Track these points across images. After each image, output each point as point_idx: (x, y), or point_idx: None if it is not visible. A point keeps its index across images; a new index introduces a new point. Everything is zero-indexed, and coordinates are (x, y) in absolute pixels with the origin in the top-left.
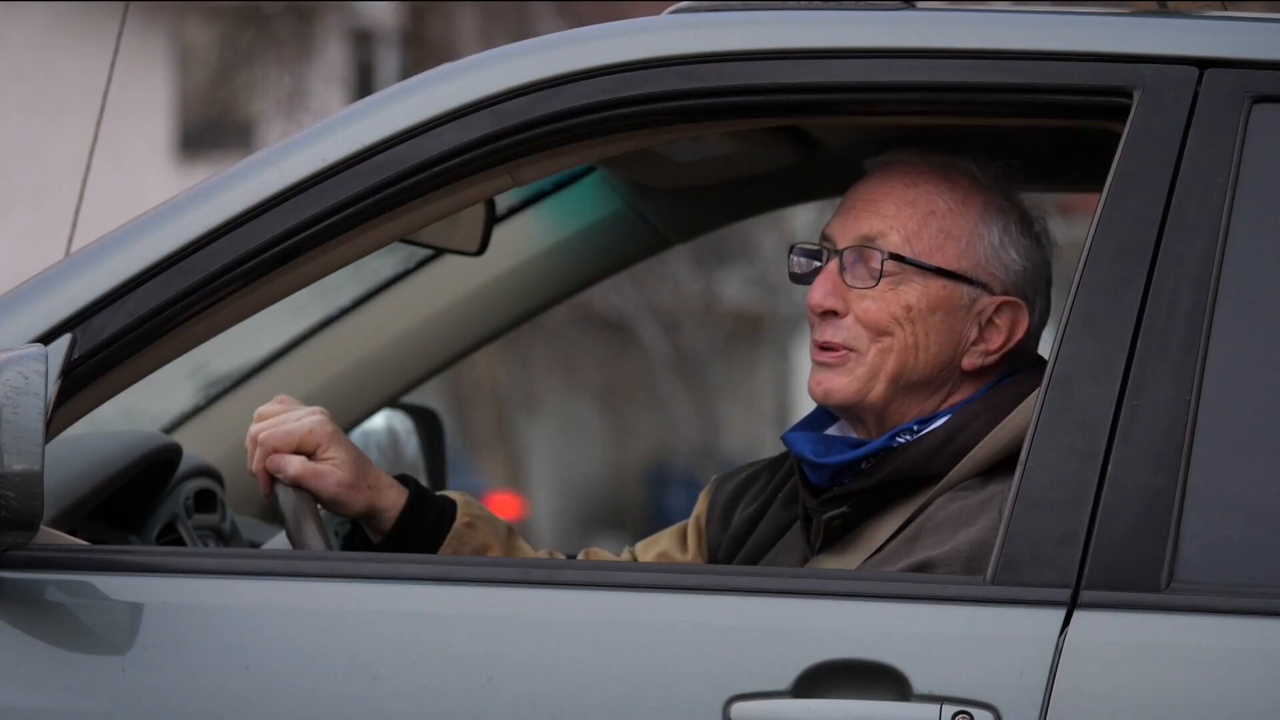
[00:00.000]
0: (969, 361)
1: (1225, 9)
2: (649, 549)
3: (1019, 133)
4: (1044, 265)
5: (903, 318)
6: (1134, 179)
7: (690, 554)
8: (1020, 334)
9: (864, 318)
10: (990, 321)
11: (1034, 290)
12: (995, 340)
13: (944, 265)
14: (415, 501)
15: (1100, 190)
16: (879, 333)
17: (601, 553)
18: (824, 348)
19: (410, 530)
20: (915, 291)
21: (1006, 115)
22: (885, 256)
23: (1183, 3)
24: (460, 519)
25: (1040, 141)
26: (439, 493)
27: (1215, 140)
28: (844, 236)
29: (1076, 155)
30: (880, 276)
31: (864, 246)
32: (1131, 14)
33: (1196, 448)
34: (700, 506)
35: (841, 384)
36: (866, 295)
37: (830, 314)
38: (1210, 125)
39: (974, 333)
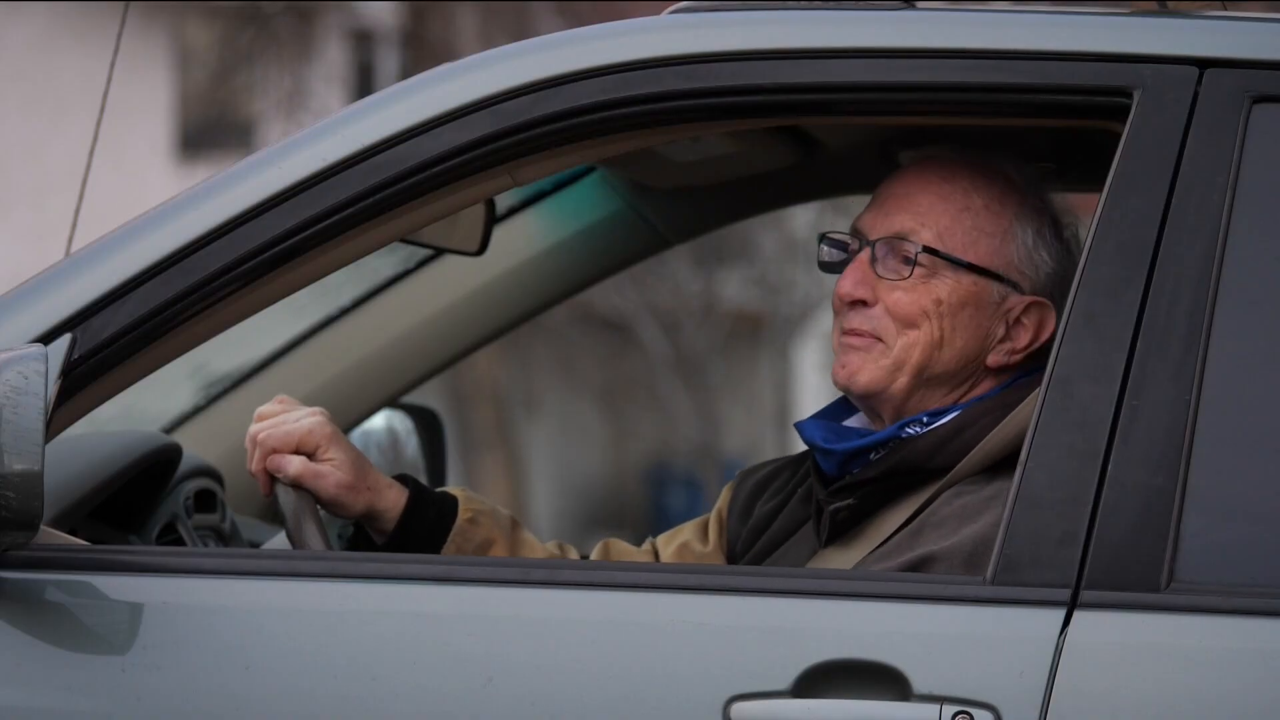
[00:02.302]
0: (994, 359)
1: (1225, 9)
2: (671, 541)
3: (1019, 133)
4: (1072, 270)
5: (932, 311)
6: (1134, 179)
7: (711, 546)
8: (1046, 335)
9: (894, 309)
10: (1018, 320)
11: (1061, 293)
12: (1022, 339)
13: (977, 261)
14: (415, 501)
15: (1100, 190)
16: (907, 324)
17: (621, 544)
18: (850, 333)
19: (412, 530)
20: (946, 286)
21: (1006, 115)
22: (920, 249)
23: (1183, 3)
24: (462, 515)
25: (1040, 141)
26: (440, 489)
27: (1215, 140)
28: (876, 229)
29: (1076, 155)
30: (914, 268)
31: (897, 237)
32: (1131, 14)
33: (1196, 448)
34: (723, 500)
35: (868, 369)
36: (897, 287)
37: (859, 303)
38: (1210, 125)
39: (1001, 330)
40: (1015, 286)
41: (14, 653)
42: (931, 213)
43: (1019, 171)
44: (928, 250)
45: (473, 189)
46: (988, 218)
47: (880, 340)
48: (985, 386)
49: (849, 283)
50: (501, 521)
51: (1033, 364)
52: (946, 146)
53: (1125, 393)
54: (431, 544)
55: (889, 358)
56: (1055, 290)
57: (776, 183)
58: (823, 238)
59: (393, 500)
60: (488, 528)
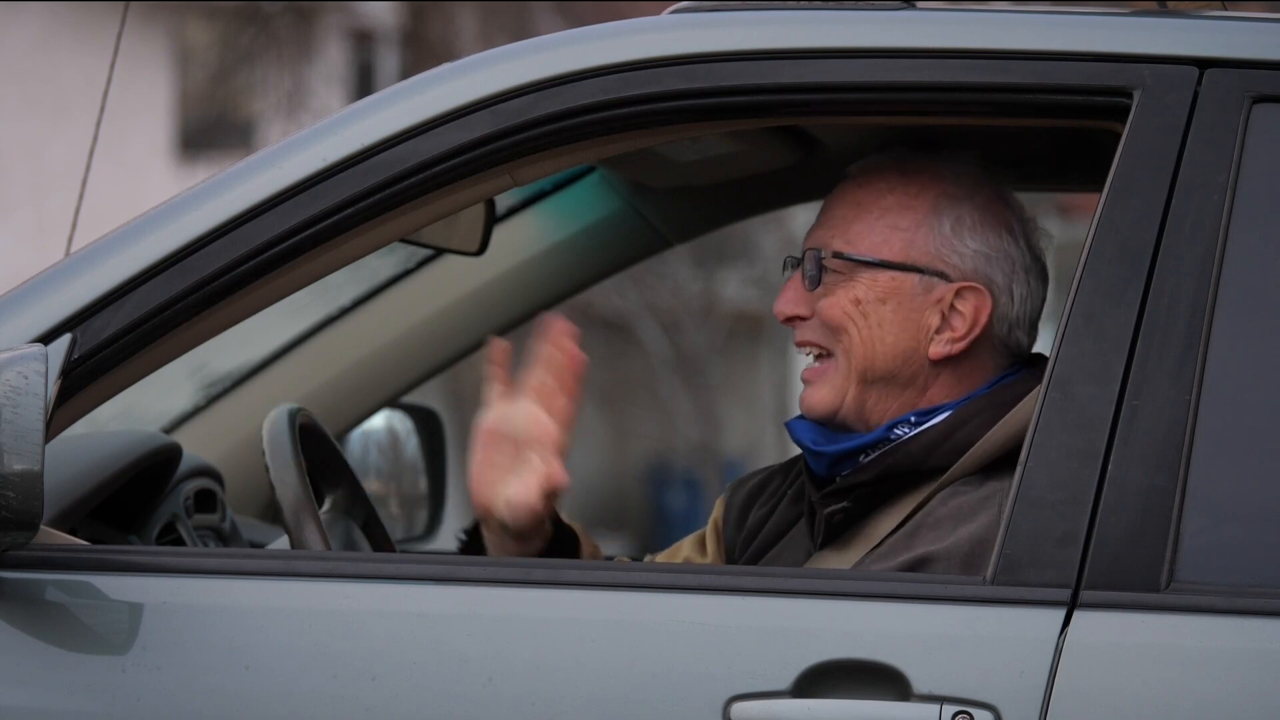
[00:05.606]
0: (935, 350)
1: (1225, 9)
2: (672, 558)
3: (1019, 132)
4: (1021, 253)
5: (853, 311)
6: (1134, 179)
7: (710, 558)
8: (984, 319)
9: (821, 315)
10: (953, 308)
11: (1006, 277)
12: (960, 327)
13: (888, 258)
14: (557, 523)
15: (1100, 190)
16: (836, 330)
17: (623, 560)
18: (801, 347)
19: (557, 551)
20: (862, 285)
21: (1006, 115)
22: (828, 256)
23: (1183, 3)
24: (585, 545)
25: (1040, 141)
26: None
27: (1215, 140)
28: (805, 245)
29: (1076, 155)
30: (821, 276)
31: (812, 250)
32: (1131, 14)
33: (1196, 448)
34: (717, 511)
35: (818, 398)
36: (822, 296)
37: (798, 319)
38: (1210, 125)
39: (936, 320)
40: (940, 275)
41: (14, 653)
42: (844, 220)
43: (949, 165)
44: (836, 255)
45: (473, 189)
46: (900, 214)
47: (830, 355)
48: (946, 381)
49: (781, 302)
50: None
51: (1007, 357)
52: (887, 153)
53: (1125, 393)
54: None
55: (838, 374)
56: (995, 274)
57: (776, 183)
58: (785, 264)
59: (546, 527)
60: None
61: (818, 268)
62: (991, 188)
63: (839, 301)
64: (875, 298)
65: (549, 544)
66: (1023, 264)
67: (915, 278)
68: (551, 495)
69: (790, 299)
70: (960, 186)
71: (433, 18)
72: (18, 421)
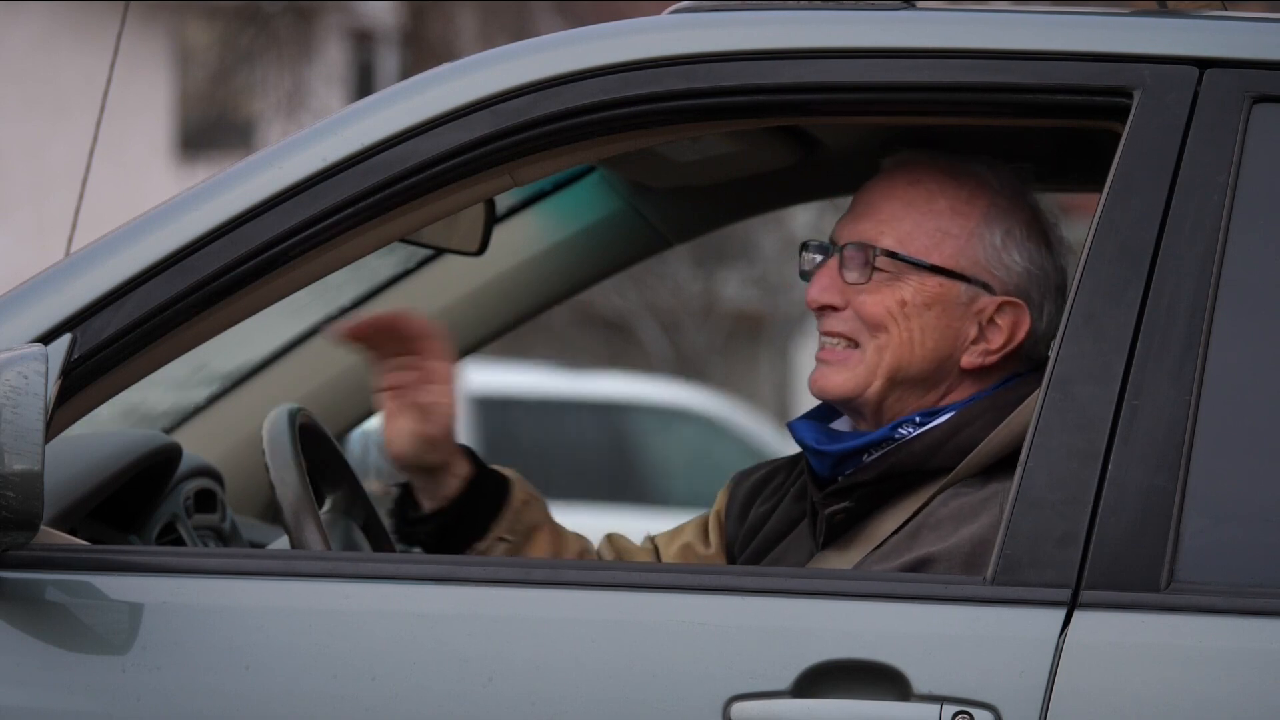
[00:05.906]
0: (968, 360)
1: (1225, 9)
2: (673, 541)
3: (1019, 133)
4: (1055, 271)
5: (897, 313)
6: (1134, 179)
7: (713, 548)
8: (1021, 335)
9: (861, 311)
10: (991, 321)
11: (1041, 294)
12: (996, 340)
13: (939, 263)
14: (479, 472)
15: (1100, 190)
16: (875, 328)
17: (624, 539)
18: (826, 336)
19: (470, 501)
20: (910, 288)
21: (1006, 115)
22: (879, 253)
23: (1183, 3)
24: (518, 496)
25: (1040, 141)
26: (493, 466)
27: (1215, 140)
28: (844, 235)
29: (1076, 155)
30: (873, 272)
31: (860, 243)
32: (1131, 14)
33: (1196, 448)
34: (720, 502)
35: (838, 381)
36: (864, 290)
37: (829, 309)
38: (1210, 125)
39: (973, 331)
40: (985, 287)
41: (14, 653)
42: (894, 217)
43: (993, 172)
44: (887, 254)
45: (473, 189)
46: (952, 219)
47: (856, 345)
48: (967, 388)
49: (816, 289)
50: (545, 509)
51: (1025, 365)
52: (925, 151)
53: (1125, 393)
54: (481, 519)
55: (863, 364)
56: (1033, 290)
57: (776, 183)
58: (804, 247)
59: (463, 468)
60: (539, 513)
61: (866, 263)
62: (1030, 200)
63: (883, 300)
64: (921, 302)
65: (468, 484)
66: (1055, 282)
67: (961, 286)
68: (429, 417)
69: (825, 287)
70: (1006, 197)
71: (433, 18)
72: (18, 421)
